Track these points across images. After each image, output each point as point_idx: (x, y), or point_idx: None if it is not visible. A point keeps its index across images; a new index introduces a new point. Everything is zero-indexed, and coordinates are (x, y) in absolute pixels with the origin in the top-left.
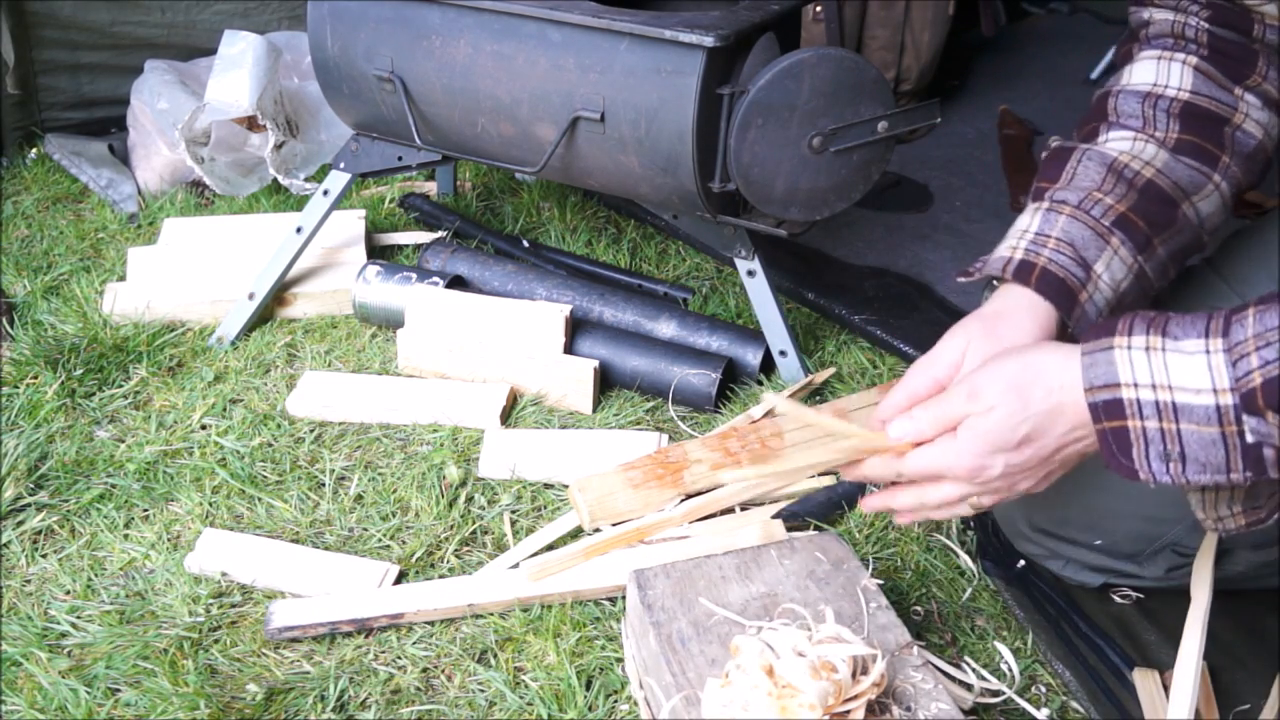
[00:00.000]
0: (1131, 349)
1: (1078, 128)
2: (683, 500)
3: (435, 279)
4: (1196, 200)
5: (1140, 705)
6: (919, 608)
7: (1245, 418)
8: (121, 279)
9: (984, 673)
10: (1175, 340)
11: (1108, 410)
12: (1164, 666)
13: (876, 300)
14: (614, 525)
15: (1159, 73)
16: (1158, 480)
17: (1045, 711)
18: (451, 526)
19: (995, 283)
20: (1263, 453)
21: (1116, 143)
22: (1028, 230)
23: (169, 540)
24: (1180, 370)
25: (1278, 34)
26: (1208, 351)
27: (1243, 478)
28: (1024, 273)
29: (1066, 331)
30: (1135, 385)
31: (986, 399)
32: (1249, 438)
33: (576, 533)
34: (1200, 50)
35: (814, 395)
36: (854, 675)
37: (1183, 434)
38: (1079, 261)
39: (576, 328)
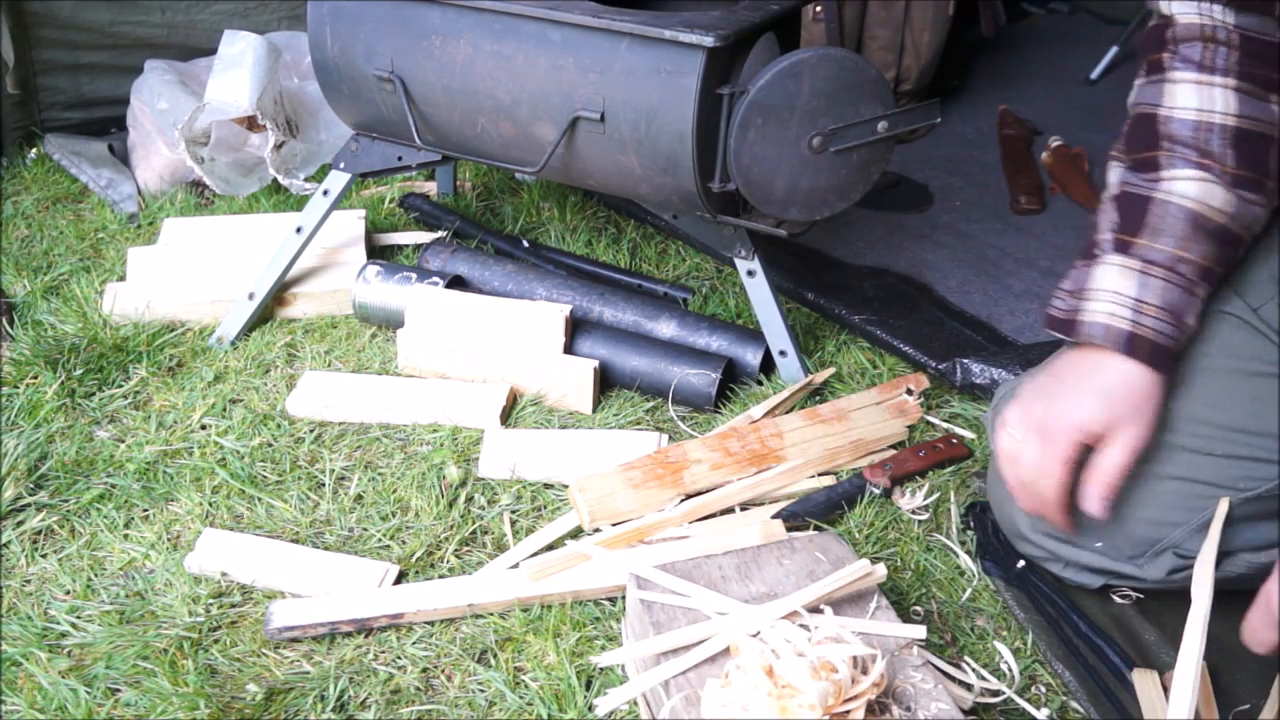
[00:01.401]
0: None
1: (1126, 150)
2: (683, 500)
3: (435, 279)
4: (1254, 231)
5: (1139, 705)
6: (919, 608)
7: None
8: (121, 279)
9: (984, 673)
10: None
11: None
12: (1164, 666)
13: (876, 300)
14: (614, 525)
15: (1202, 98)
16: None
17: (1045, 711)
18: (451, 526)
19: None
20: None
21: (1186, 184)
22: (1121, 293)
23: (169, 540)
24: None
25: None
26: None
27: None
28: (1132, 346)
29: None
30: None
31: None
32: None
33: (576, 532)
34: (1233, 57)
35: (814, 395)
36: (854, 675)
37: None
38: (1176, 323)
39: (576, 328)
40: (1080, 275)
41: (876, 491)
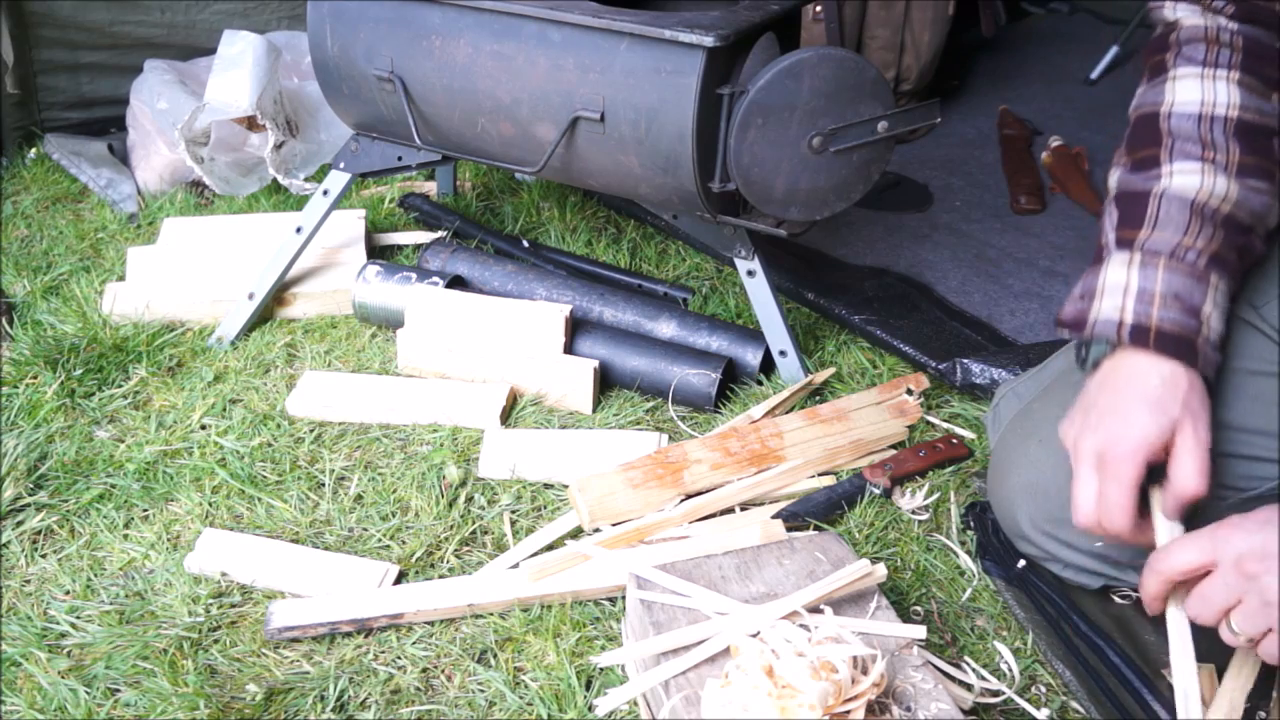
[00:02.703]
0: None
1: (1127, 152)
2: (683, 500)
3: (435, 279)
4: (1266, 221)
5: (1138, 706)
6: (919, 608)
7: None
8: (121, 279)
9: (984, 673)
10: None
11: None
12: (1164, 666)
13: (876, 300)
14: (614, 525)
15: (1205, 90)
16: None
17: (1045, 711)
18: (451, 526)
19: (1108, 345)
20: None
21: (1187, 177)
22: (1128, 288)
23: (169, 540)
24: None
25: None
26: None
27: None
28: (1141, 336)
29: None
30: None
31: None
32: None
33: (576, 532)
34: (1235, 57)
35: (814, 395)
36: (854, 675)
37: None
38: (1189, 311)
39: (576, 328)
40: (1089, 279)
41: (876, 491)
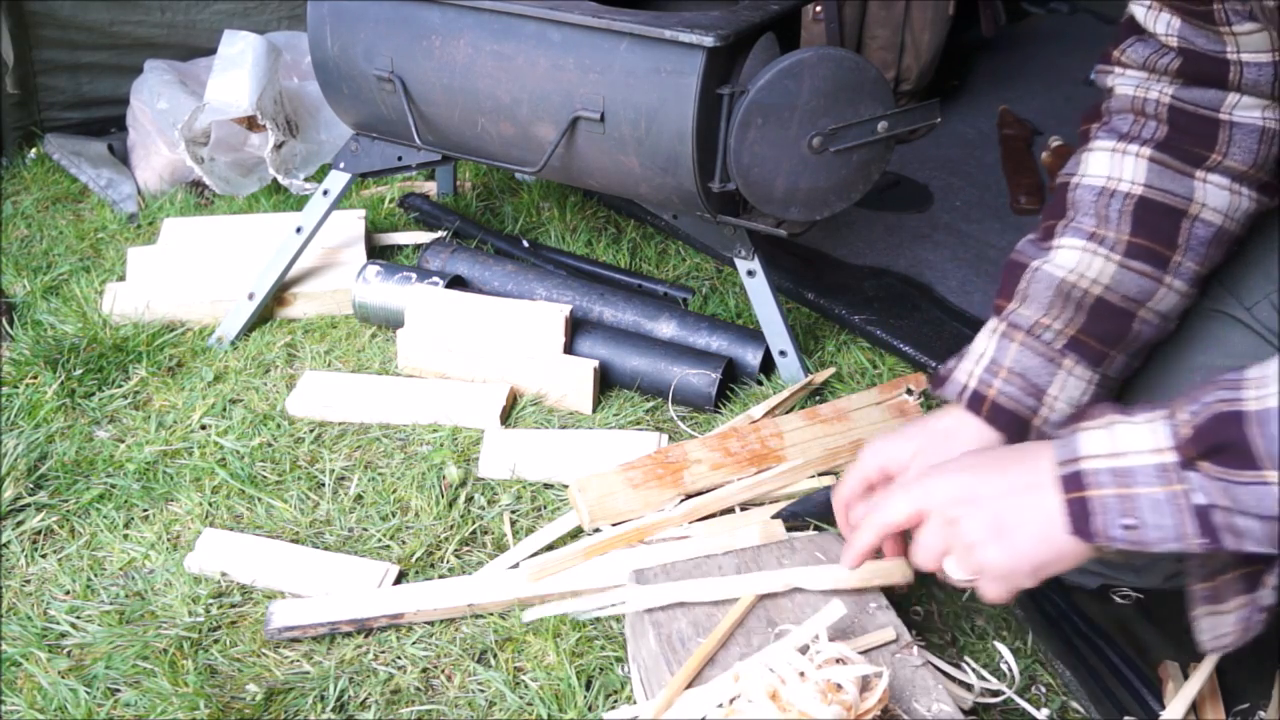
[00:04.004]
0: (1095, 429)
1: (1044, 215)
2: (683, 500)
3: (435, 279)
4: (1151, 306)
5: (1138, 706)
6: (919, 608)
7: (1187, 474)
8: (121, 279)
9: (984, 673)
10: (1130, 415)
11: (1073, 481)
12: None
13: (876, 300)
14: (614, 525)
15: (1113, 166)
16: (1120, 542)
17: (1045, 711)
18: (451, 526)
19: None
20: (1211, 518)
21: (1066, 253)
22: (983, 355)
23: (169, 540)
24: (1130, 437)
25: (1256, 73)
26: (1150, 421)
27: (1199, 544)
28: (976, 404)
29: None
30: (1094, 455)
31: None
32: (1196, 498)
33: (576, 533)
34: (1159, 130)
35: (814, 395)
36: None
37: (1137, 498)
38: (1030, 391)
39: (576, 328)
40: (969, 345)
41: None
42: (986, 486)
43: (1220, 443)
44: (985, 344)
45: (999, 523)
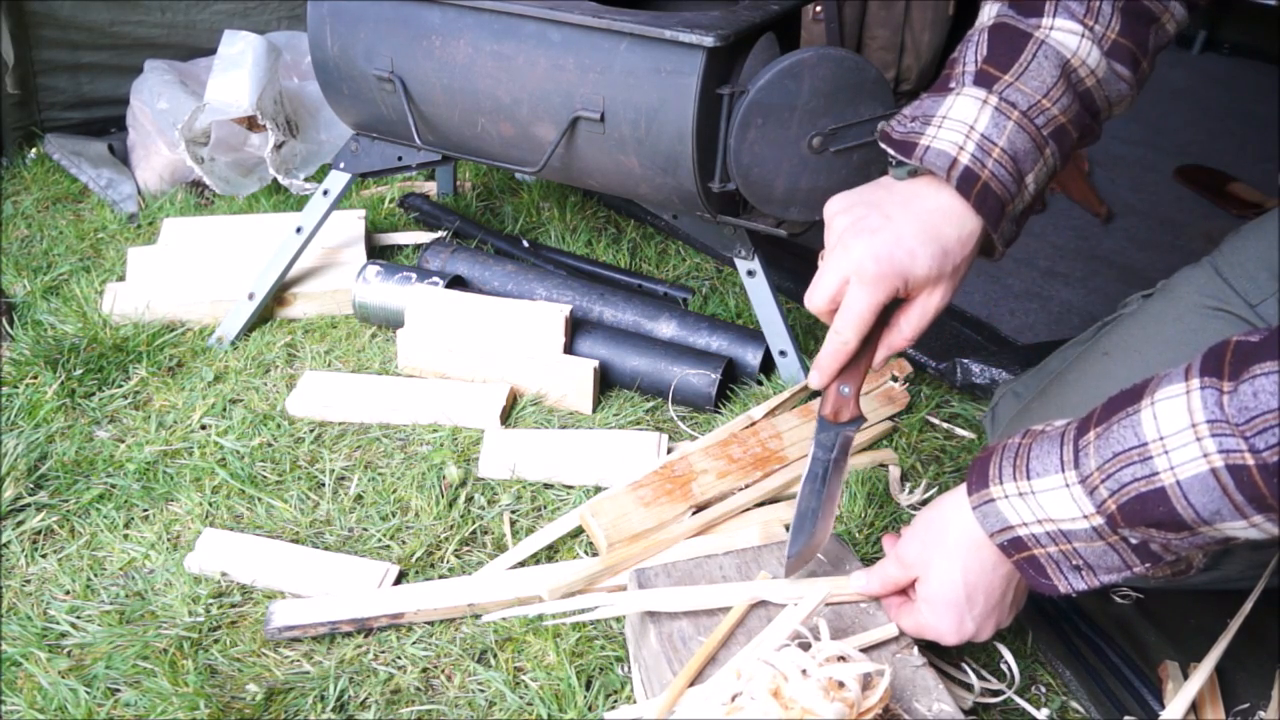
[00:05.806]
0: (1009, 497)
1: None
2: (694, 513)
3: (435, 279)
4: (1115, 109)
5: (1138, 706)
6: None
7: (1121, 529)
8: (121, 279)
9: (984, 673)
10: (1039, 478)
11: (1015, 546)
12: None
13: None
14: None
15: None
16: (1078, 590)
17: (1045, 711)
18: (451, 526)
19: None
20: (1150, 548)
21: (1065, 36)
22: (974, 128)
23: (169, 540)
24: (1052, 505)
25: None
26: (1066, 485)
27: (1145, 569)
28: (967, 183)
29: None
30: (1025, 524)
31: (915, 565)
32: (1132, 539)
33: (577, 533)
34: None
35: (814, 395)
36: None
37: (1080, 551)
38: (1016, 176)
39: (576, 328)
40: (929, 104)
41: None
42: (982, 603)
43: (1148, 521)
44: (971, 113)
45: (1014, 605)
